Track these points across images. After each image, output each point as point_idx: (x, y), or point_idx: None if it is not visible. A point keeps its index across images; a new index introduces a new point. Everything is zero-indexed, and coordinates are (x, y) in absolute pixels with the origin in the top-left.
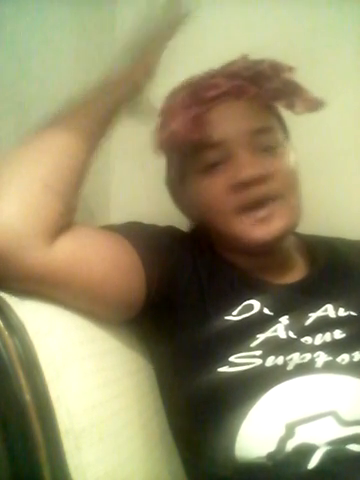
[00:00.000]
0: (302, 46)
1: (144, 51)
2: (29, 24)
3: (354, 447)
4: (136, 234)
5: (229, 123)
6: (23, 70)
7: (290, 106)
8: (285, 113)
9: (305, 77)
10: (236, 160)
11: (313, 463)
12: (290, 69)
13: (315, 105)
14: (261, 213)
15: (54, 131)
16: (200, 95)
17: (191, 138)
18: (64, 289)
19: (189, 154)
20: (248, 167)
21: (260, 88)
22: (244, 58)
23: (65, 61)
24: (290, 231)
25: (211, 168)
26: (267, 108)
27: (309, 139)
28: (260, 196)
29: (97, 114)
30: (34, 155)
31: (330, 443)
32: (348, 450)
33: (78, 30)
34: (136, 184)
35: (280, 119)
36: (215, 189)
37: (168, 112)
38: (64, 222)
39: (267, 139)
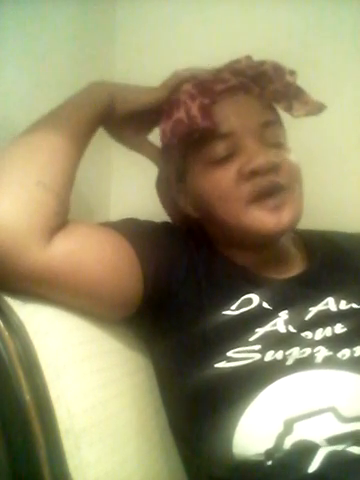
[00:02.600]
0: (302, 46)
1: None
2: (28, 24)
3: (354, 449)
4: (132, 231)
5: (238, 115)
6: (20, 70)
7: (289, 109)
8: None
9: (305, 76)
10: (246, 151)
11: (313, 467)
12: (291, 73)
13: (315, 108)
14: (272, 202)
15: (44, 129)
16: (207, 87)
17: (196, 127)
18: (62, 288)
19: (196, 146)
20: (259, 156)
21: (262, 88)
22: (248, 58)
23: (64, 62)
24: (295, 224)
25: (220, 160)
26: (270, 106)
27: (308, 136)
28: (271, 185)
29: (81, 121)
30: (26, 153)
31: (329, 440)
32: (348, 452)
33: (78, 30)
34: (136, 184)
35: (280, 120)
36: (226, 179)
37: (173, 103)
38: (59, 220)
39: (274, 133)
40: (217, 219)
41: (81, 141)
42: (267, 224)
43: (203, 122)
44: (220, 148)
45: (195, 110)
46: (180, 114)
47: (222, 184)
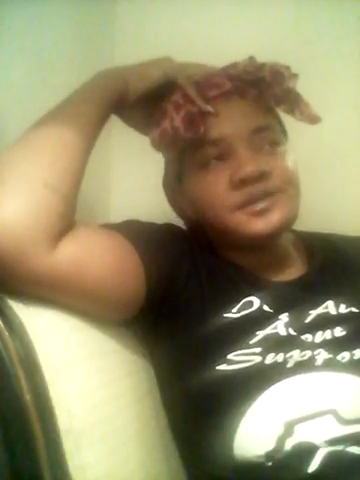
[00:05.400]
0: (303, 45)
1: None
2: (28, 24)
3: (354, 449)
4: (135, 233)
5: (230, 120)
6: (20, 70)
7: (290, 112)
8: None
9: (306, 76)
10: (236, 157)
11: (313, 467)
12: (292, 76)
13: (311, 119)
14: (259, 205)
15: (52, 125)
16: (202, 94)
17: (182, 136)
18: (66, 291)
19: (188, 150)
20: (248, 164)
21: (260, 92)
22: (250, 60)
23: (64, 61)
24: (287, 225)
25: (211, 164)
26: (267, 108)
27: (309, 137)
28: (259, 192)
29: (92, 112)
30: (32, 152)
31: (329, 442)
32: (347, 452)
33: (78, 30)
34: (136, 184)
35: (279, 120)
36: (215, 186)
37: (162, 111)
38: (65, 223)
39: (267, 138)
40: (208, 222)
41: (92, 132)
42: (253, 228)
43: (186, 133)
44: (211, 152)
45: (178, 121)
46: (165, 124)
47: (212, 190)
